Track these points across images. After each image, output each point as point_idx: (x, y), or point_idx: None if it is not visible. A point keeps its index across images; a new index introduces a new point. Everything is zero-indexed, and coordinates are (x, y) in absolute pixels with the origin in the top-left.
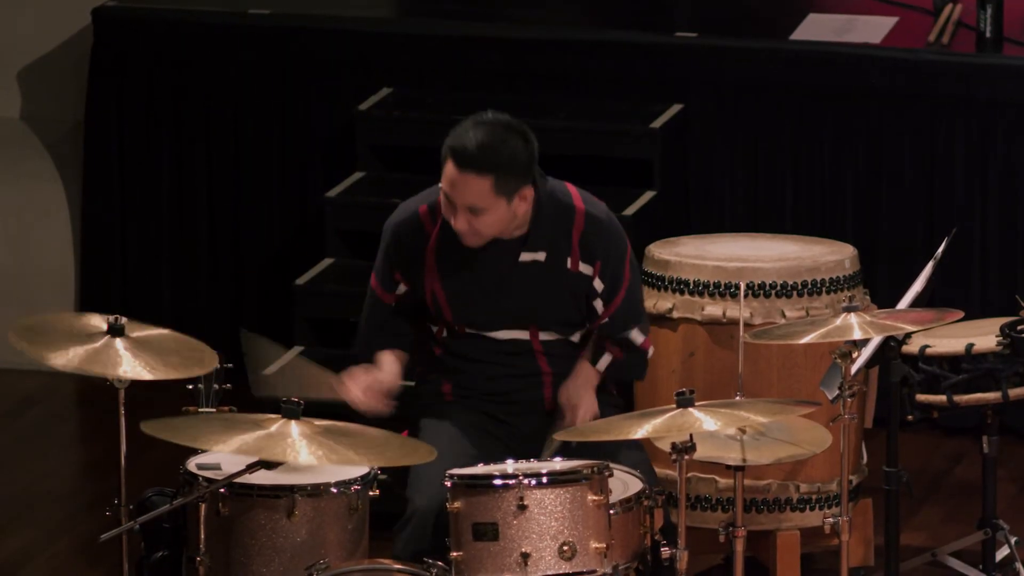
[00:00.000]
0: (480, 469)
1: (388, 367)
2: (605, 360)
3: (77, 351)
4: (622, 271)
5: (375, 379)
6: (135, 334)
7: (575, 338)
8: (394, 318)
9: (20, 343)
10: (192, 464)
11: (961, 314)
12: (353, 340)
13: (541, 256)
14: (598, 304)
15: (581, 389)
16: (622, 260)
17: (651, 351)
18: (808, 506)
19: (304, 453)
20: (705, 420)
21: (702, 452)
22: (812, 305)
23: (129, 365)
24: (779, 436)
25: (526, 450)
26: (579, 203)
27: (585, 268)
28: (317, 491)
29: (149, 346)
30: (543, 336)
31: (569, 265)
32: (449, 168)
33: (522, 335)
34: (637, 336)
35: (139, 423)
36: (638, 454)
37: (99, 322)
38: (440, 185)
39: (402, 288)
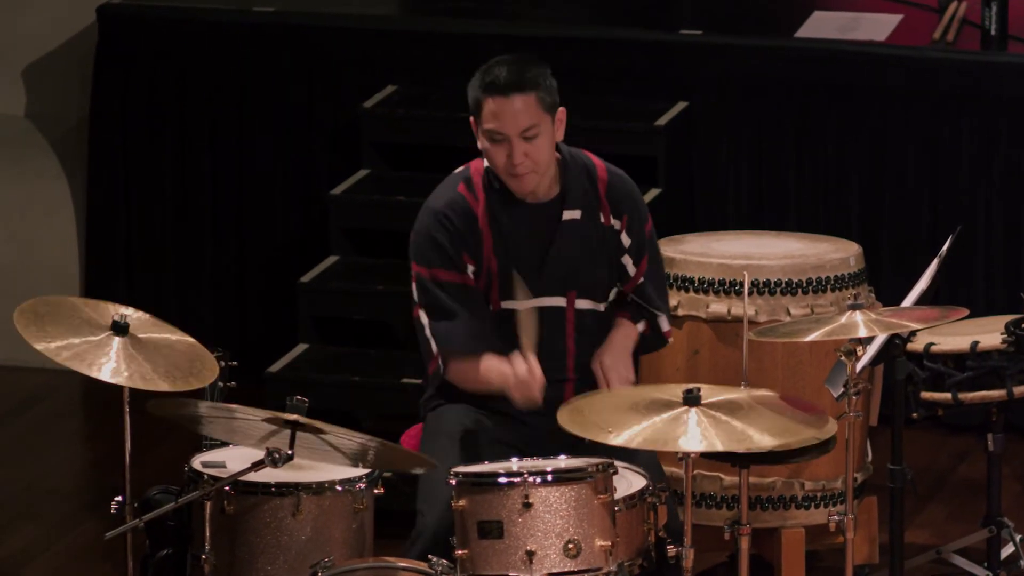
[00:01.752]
0: (485, 467)
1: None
2: (641, 326)
3: (72, 342)
4: (644, 231)
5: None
6: (141, 334)
7: (602, 308)
8: (486, 309)
9: (20, 322)
10: (197, 462)
11: (966, 312)
12: (441, 342)
13: (578, 214)
14: (627, 262)
15: (617, 355)
16: (644, 220)
17: (670, 341)
18: (813, 504)
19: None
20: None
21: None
22: (817, 303)
23: (114, 369)
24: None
25: (533, 449)
26: (599, 162)
27: (615, 222)
28: (322, 489)
29: (150, 350)
30: (578, 304)
31: (602, 219)
32: (491, 104)
33: (559, 302)
34: (664, 323)
35: (143, 422)
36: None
37: (110, 315)
38: (482, 134)
39: (470, 271)
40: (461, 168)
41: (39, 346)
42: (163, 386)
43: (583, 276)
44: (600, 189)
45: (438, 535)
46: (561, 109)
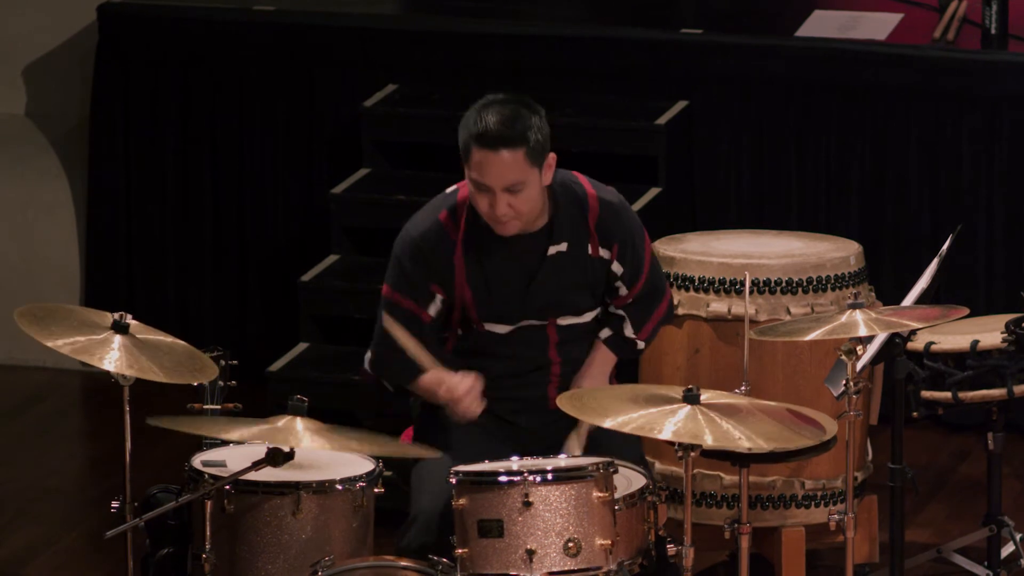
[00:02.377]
0: (485, 466)
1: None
2: (605, 332)
3: (77, 340)
4: (642, 251)
5: (470, 382)
6: (140, 335)
7: (587, 319)
8: (432, 335)
9: (22, 322)
10: (197, 461)
11: (966, 311)
12: (378, 369)
13: (564, 247)
14: (620, 287)
15: (595, 379)
16: (640, 240)
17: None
18: (813, 503)
19: (307, 441)
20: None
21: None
22: (817, 302)
23: (121, 360)
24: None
25: (530, 448)
26: (590, 189)
27: (604, 252)
28: (322, 488)
29: (151, 348)
30: (560, 322)
31: (590, 251)
32: (478, 155)
33: (539, 323)
34: (639, 345)
35: (143, 421)
36: (634, 446)
37: (107, 318)
38: (469, 179)
39: (439, 300)
40: (451, 190)
41: (47, 343)
42: (172, 378)
43: (565, 305)
44: (590, 220)
45: (430, 518)
46: (551, 155)
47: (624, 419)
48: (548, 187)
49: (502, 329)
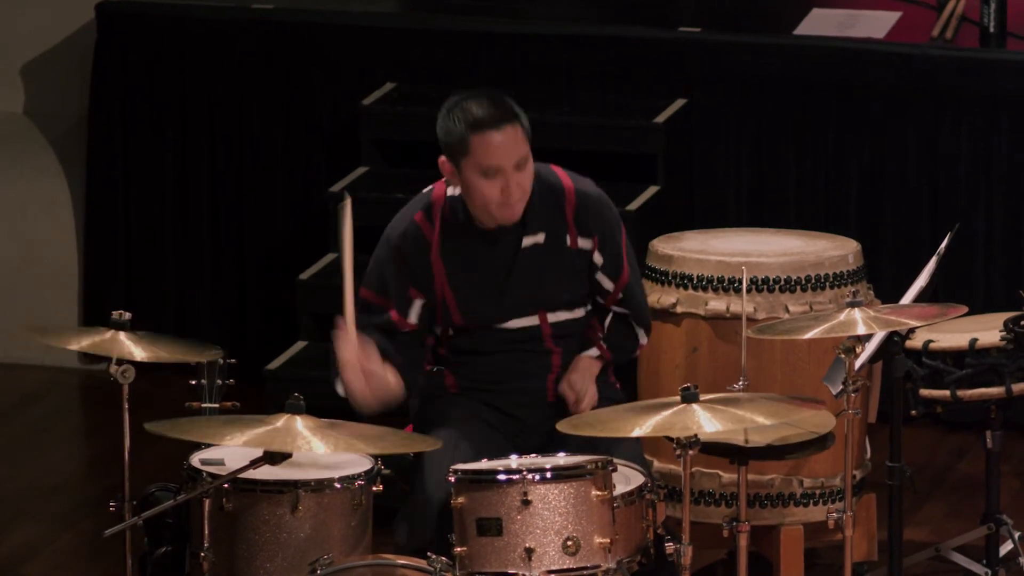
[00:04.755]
0: (484, 464)
1: (395, 377)
2: (592, 352)
3: (84, 341)
4: (619, 246)
5: (382, 372)
6: (138, 332)
7: (580, 313)
8: (412, 344)
9: (31, 336)
10: (195, 459)
11: (965, 309)
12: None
13: (541, 238)
14: (602, 279)
15: (582, 378)
16: (618, 234)
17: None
18: (812, 501)
19: (316, 444)
20: (706, 421)
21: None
22: (816, 300)
23: (133, 348)
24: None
25: (530, 443)
26: (567, 181)
27: (584, 243)
28: (321, 486)
29: (153, 340)
30: (552, 318)
31: (569, 243)
32: (482, 141)
33: (532, 321)
34: (642, 338)
35: (142, 419)
36: (633, 445)
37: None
38: (469, 174)
39: (417, 305)
40: (426, 191)
41: (62, 345)
42: (177, 357)
43: (551, 297)
44: (567, 212)
45: (430, 506)
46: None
47: (640, 430)
48: None
49: (495, 326)
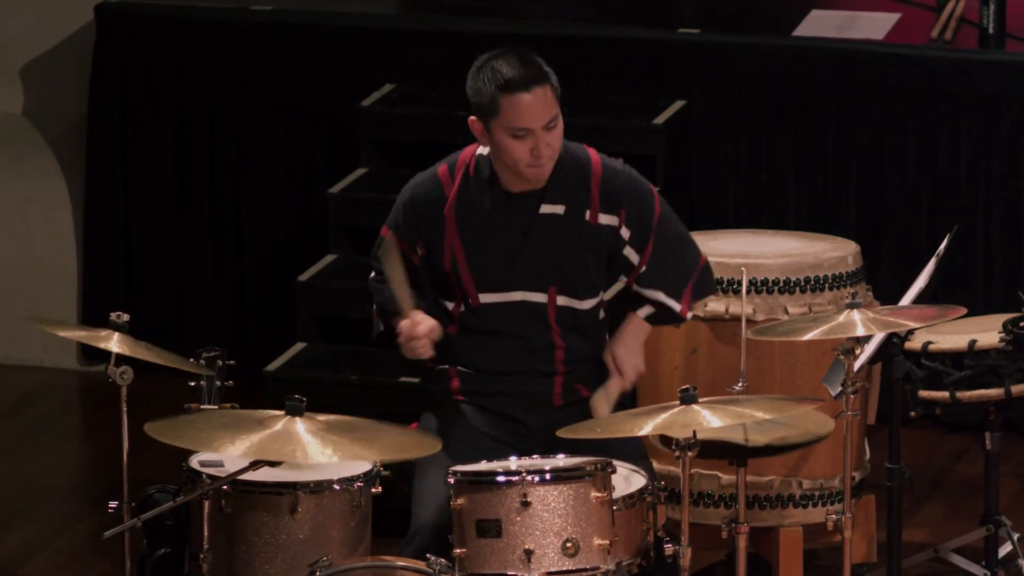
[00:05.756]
0: (483, 466)
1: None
2: (647, 310)
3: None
4: (651, 213)
5: (431, 324)
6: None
7: (588, 306)
8: (418, 278)
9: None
10: (195, 461)
11: (964, 310)
12: (370, 317)
13: (560, 209)
14: (630, 252)
15: (629, 346)
16: (650, 201)
17: (689, 317)
18: (811, 502)
19: (315, 452)
20: (709, 417)
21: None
22: (815, 301)
23: (133, 347)
24: (781, 420)
25: (533, 448)
26: (595, 156)
27: (608, 219)
28: (320, 488)
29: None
30: (559, 301)
31: (588, 218)
32: (512, 102)
33: (539, 298)
34: (673, 303)
35: (141, 420)
36: (637, 450)
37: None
38: (498, 135)
39: (420, 254)
40: (452, 154)
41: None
42: (172, 363)
43: (564, 272)
44: (592, 186)
45: (434, 533)
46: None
47: (643, 429)
48: None
49: (499, 298)
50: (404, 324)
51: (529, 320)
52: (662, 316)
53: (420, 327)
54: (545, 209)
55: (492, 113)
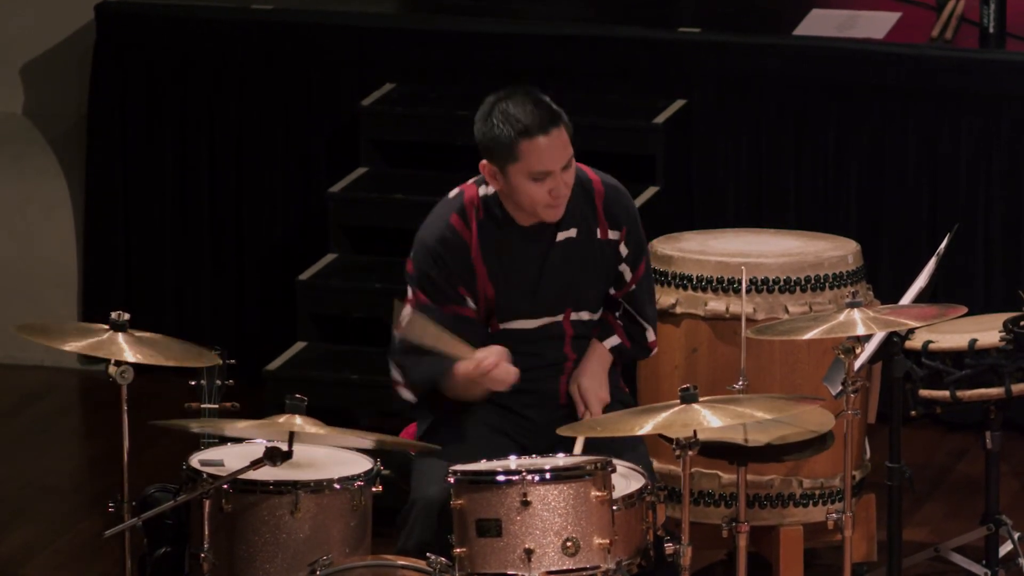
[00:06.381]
0: (483, 465)
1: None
2: (613, 341)
3: (80, 343)
4: (642, 236)
5: (496, 349)
6: (137, 334)
7: (596, 316)
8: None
9: (27, 334)
10: (195, 460)
11: (964, 309)
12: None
13: (573, 232)
14: (625, 269)
15: (593, 377)
16: (639, 226)
17: (654, 352)
18: (811, 502)
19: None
20: (709, 416)
21: (705, 435)
22: (815, 301)
23: (130, 353)
24: (781, 418)
25: (538, 444)
26: (592, 174)
27: (613, 234)
28: (320, 487)
29: (152, 342)
30: (574, 316)
31: (599, 235)
32: (533, 146)
33: (557, 319)
34: (650, 335)
35: (141, 419)
36: (639, 449)
37: (100, 325)
38: (517, 179)
39: (468, 301)
40: (454, 193)
41: (60, 347)
42: (179, 362)
43: (579, 294)
44: (598, 204)
45: (430, 507)
46: None
47: (644, 428)
48: None
49: (519, 325)
50: (467, 366)
51: (545, 340)
52: (630, 350)
53: (487, 360)
54: (560, 236)
55: (510, 158)
